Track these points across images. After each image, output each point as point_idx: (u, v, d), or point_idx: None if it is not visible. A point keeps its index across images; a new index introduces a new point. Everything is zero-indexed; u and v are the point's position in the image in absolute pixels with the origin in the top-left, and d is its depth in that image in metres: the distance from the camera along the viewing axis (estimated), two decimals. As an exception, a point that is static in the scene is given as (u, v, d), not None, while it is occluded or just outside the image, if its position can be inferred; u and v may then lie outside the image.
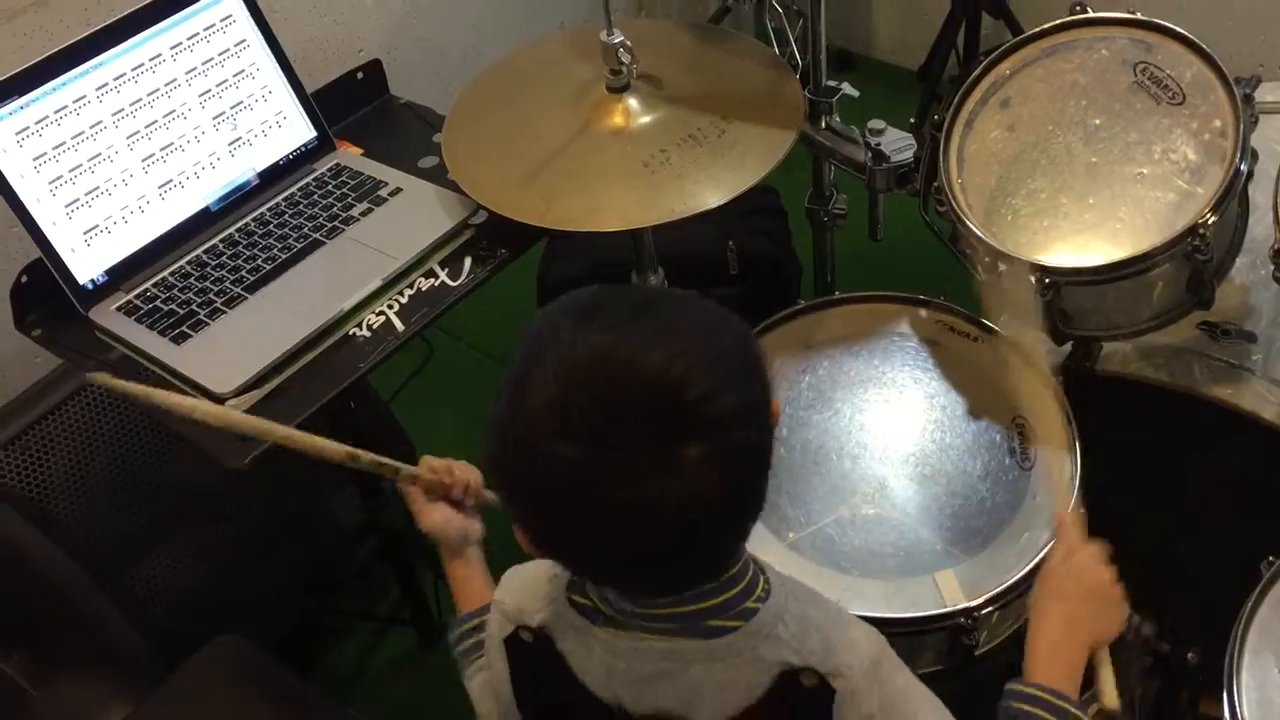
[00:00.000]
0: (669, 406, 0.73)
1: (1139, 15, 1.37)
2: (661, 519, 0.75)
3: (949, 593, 1.25)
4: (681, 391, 0.73)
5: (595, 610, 0.89)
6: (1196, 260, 1.27)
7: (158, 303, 1.38)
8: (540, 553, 0.84)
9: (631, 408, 0.73)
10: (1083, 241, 1.31)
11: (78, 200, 1.36)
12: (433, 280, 1.39)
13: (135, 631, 1.52)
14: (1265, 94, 1.57)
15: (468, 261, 1.41)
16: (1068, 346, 1.46)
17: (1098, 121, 1.36)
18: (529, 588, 0.94)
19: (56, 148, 1.34)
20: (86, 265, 1.38)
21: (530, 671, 0.95)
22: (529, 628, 0.93)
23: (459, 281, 1.39)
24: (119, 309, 1.38)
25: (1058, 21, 1.41)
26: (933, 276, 1.61)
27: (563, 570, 0.91)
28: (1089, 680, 1.01)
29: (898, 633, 1.07)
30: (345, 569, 2.00)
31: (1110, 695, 1.02)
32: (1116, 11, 1.39)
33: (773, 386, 0.82)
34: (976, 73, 1.43)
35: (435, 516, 1.10)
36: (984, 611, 1.23)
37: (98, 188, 1.38)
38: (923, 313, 1.52)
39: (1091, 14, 1.40)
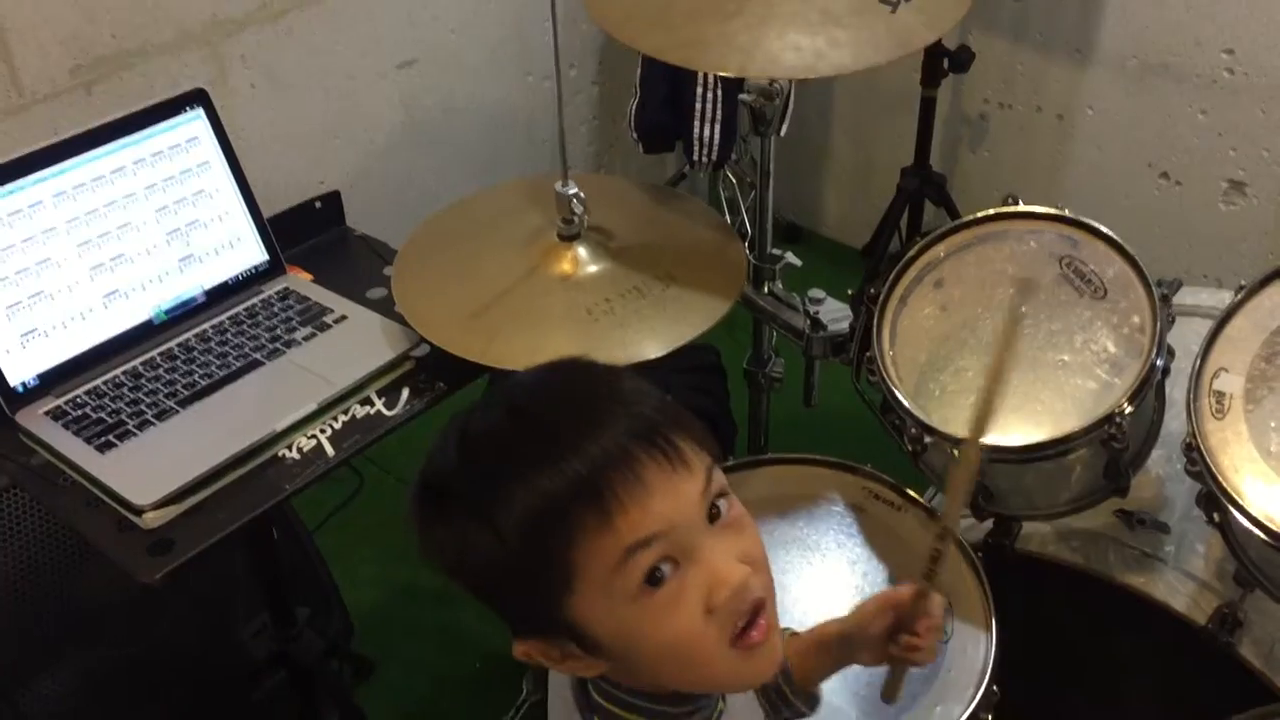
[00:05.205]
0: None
1: (1067, 212, 1.45)
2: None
3: (860, 763, 1.24)
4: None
5: None
6: (1113, 448, 1.31)
7: (87, 410, 1.36)
8: None
9: None
10: (1005, 422, 1.35)
11: (19, 303, 1.36)
12: (368, 408, 1.39)
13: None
14: (1185, 297, 1.65)
15: (405, 392, 1.41)
16: (988, 523, 1.49)
17: (1024, 308, 1.42)
18: None
19: (5, 249, 1.35)
20: (20, 368, 1.36)
21: None
22: None
23: (395, 411, 1.39)
24: (47, 413, 1.36)
25: (991, 211, 1.49)
26: (863, 444, 1.64)
27: None
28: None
29: (804, 800, 1.06)
30: (245, 705, 1.93)
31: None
32: (1048, 207, 1.47)
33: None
34: (912, 252, 1.49)
35: None
36: (893, 785, 1.22)
37: (42, 292, 1.38)
38: (850, 479, 1.54)
39: (1023, 207, 1.48)
